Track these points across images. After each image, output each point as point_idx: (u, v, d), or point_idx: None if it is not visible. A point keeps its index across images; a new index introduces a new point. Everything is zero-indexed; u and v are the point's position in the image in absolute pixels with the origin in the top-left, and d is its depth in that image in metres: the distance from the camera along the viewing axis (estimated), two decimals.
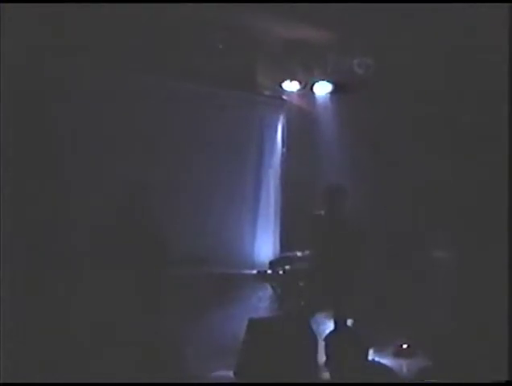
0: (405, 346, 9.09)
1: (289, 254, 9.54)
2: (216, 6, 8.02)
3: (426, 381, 5.16)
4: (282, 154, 10.90)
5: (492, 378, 5.39)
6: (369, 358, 4.63)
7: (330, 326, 8.07)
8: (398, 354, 8.91)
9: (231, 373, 6.10)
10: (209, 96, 10.09)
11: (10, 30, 7.32)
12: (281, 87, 10.52)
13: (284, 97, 10.76)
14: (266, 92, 10.71)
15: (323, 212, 7.96)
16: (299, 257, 9.27)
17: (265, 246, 10.42)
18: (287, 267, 9.43)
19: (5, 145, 7.36)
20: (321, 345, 5.74)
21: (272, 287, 9.63)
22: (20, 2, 7.38)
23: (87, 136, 8.75)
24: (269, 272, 9.76)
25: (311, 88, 10.42)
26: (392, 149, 10.19)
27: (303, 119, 10.76)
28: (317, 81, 10.35)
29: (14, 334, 7.17)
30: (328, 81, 10.38)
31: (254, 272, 9.93)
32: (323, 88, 10.47)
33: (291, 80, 10.41)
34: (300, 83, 10.39)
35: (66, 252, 7.86)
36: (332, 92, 10.48)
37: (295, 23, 9.02)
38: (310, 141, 10.56)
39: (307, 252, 8.77)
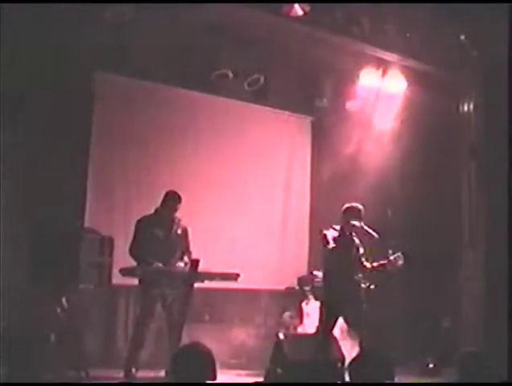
0: (431, 365, 9.12)
1: (316, 272, 9.55)
2: None
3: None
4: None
5: None
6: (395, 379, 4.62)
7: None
8: (424, 373, 8.93)
9: None
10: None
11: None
12: None
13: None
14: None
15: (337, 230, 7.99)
16: None
17: (293, 263, 10.48)
18: (315, 284, 9.45)
19: None
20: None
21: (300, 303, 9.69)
22: (20, 2, 7.59)
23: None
24: (297, 288, 9.80)
25: None
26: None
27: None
28: None
29: None
30: None
31: (283, 288, 10.00)
32: None
33: None
34: None
35: None
36: None
37: None
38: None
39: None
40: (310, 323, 9.20)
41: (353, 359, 4.69)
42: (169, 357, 7.07)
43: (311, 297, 9.58)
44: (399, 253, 7.85)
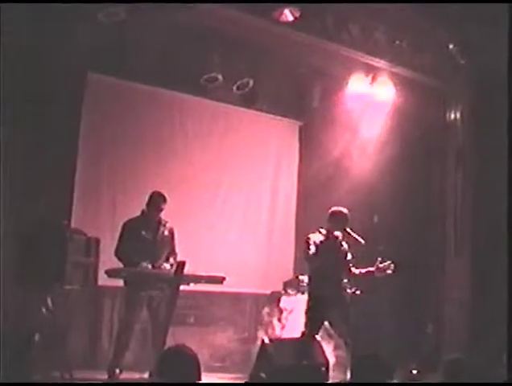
0: (415, 371, 9.15)
1: (302, 276, 9.53)
2: None
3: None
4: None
5: None
6: None
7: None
8: (409, 379, 8.98)
9: None
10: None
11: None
12: None
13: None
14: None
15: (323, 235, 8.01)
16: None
17: (279, 267, 10.51)
18: (301, 288, 9.46)
19: None
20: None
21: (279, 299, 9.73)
22: (20, 2, 7.61)
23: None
24: (282, 292, 9.84)
25: None
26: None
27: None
28: None
29: None
30: None
31: (268, 292, 10.03)
32: None
33: None
34: None
35: None
36: None
37: None
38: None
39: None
40: (290, 318, 9.30)
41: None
42: (155, 359, 7.20)
43: (291, 291, 9.59)
44: (389, 261, 7.88)
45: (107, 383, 7.84)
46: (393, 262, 7.93)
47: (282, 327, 9.44)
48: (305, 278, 8.53)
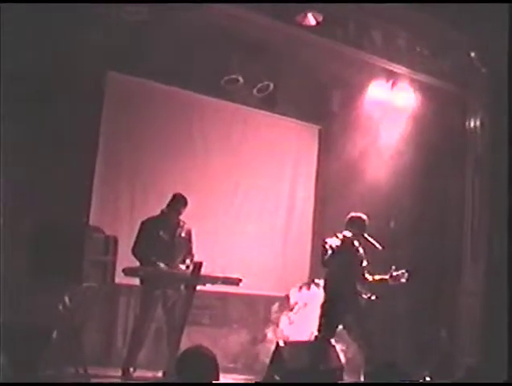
0: (428, 378, 9.17)
1: (317, 280, 9.53)
2: None
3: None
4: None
5: None
6: None
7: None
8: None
9: None
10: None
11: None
12: None
13: None
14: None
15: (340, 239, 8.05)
16: None
17: (295, 270, 10.54)
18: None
19: None
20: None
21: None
22: (20, 2, 7.66)
23: None
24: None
25: None
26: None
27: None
28: None
29: None
30: None
31: (283, 295, 10.07)
32: None
33: None
34: None
35: None
36: None
37: None
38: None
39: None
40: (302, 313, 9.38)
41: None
42: (173, 359, 7.28)
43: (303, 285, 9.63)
44: (404, 270, 7.91)
45: (107, 383, 7.91)
46: (407, 271, 7.96)
47: (290, 323, 9.46)
48: (321, 282, 8.55)
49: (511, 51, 8.38)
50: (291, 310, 9.57)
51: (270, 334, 9.58)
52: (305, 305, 9.46)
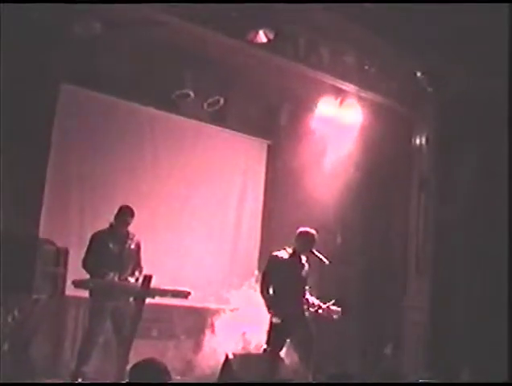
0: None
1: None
2: None
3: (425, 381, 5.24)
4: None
5: None
6: None
7: None
8: None
9: None
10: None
11: None
12: None
13: None
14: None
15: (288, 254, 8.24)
16: None
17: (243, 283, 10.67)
18: None
19: None
20: None
21: None
22: (20, 2, 7.76)
23: None
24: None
25: None
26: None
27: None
28: None
29: None
30: None
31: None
32: None
33: None
34: None
35: None
36: None
37: None
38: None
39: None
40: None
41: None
42: (122, 371, 7.34)
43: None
44: (338, 309, 8.16)
45: (108, 384, 7.94)
46: (341, 307, 8.19)
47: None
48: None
49: (511, 51, 8.64)
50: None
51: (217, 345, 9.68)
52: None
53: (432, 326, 10.14)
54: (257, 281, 9.00)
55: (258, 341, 8.91)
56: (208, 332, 9.90)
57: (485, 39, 8.84)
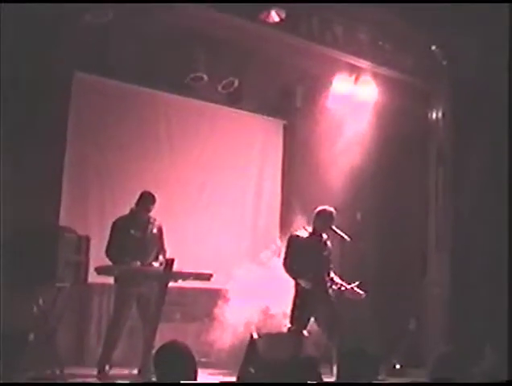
0: (398, 366, 9.40)
1: None
2: None
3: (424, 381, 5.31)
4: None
5: None
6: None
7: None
8: (391, 374, 9.25)
9: None
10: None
11: None
12: None
13: None
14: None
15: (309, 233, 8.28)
16: None
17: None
18: None
19: None
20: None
21: None
22: (20, 2, 7.80)
23: None
24: None
25: None
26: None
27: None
28: None
29: None
30: None
31: None
32: None
33: None
34: None
35: None
36: None
37: None
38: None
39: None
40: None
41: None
42: (149, 355, 7.43)
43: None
44: (363, 293, 8.19)
45: (109, 384, 8.04)
46: (366, 292, 8.22)
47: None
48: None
49: (511, 51, 8.67)
50: None
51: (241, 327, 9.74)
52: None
53: (453, 301, 10.21)
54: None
55: (281, 315, 9.00)
56: (229, 312, 9.97)
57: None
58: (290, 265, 8.16)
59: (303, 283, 8.00)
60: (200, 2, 8.55)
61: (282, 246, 8.94)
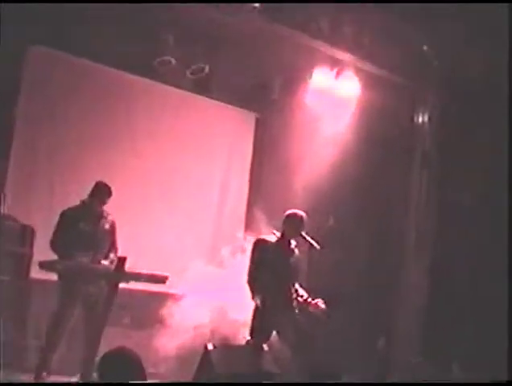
0: None
1: None
2: None
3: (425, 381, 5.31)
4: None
5: None
6: None
7: None
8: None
9: None
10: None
11: None
12: None
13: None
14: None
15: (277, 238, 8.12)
16: None
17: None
18: None
19: None
20: None
21: None
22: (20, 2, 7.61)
23: None
24: None
25: None
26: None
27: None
28: None
29: None
30: None
31: None
32: None
33: None
34: None
35: None
36: None
37: None
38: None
39: None
40: None
41: None
42: (91, 362, 7.21)
43: None
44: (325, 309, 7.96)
45: (109, 384, 7.80)
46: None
47: None
48: None
49: (511, 51, 8.63)
50: None
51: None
52: None
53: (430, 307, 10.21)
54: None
55: (241, 322, 8.79)
56: (183, 319, 9.77)
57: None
58: (251, 276, 7.97)
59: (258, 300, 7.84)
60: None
61: (245, 243, 8.77)
